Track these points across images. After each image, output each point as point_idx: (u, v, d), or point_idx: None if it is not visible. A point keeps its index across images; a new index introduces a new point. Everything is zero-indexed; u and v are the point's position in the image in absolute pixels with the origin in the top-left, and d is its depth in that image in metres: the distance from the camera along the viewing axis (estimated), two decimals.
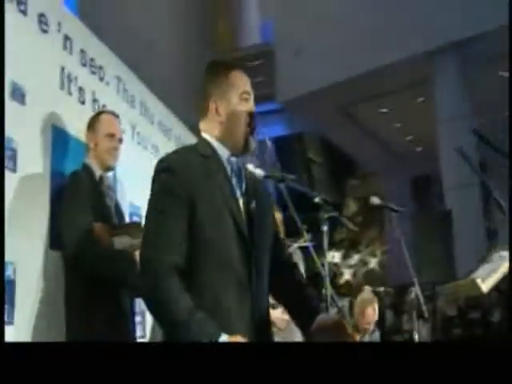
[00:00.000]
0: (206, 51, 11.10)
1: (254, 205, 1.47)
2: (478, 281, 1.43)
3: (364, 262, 13.63)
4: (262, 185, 1.61)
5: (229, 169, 1.47)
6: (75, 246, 1.97)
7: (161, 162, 1.42)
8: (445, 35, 7.84)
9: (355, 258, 13.65)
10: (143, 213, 2.95)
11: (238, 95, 1.48)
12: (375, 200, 2.98)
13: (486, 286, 1.44)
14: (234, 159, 1.50)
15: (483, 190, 8.73)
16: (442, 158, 8.18)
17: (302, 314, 1.52)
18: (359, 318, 3.08)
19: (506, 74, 9.07)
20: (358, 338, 3.10)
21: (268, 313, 1.50)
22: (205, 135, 1.51)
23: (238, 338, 1.24)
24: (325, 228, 2.19)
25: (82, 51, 2.55)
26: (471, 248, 6.58)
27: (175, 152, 1.49)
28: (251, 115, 1.49)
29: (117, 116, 2.32)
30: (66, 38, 2.41)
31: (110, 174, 2.32)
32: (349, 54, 8.64)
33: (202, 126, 1.53)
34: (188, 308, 1.25)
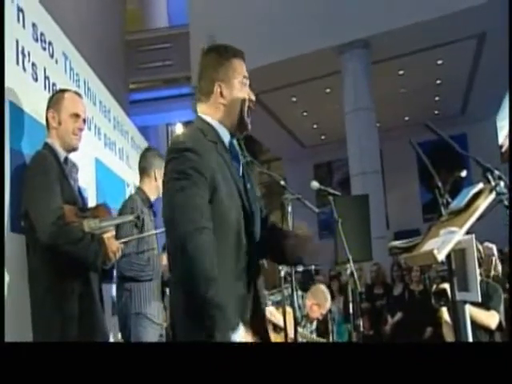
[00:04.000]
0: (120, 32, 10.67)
1: (249, 185, 1.64)
2: (435, 251, 1.69)
3: None
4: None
5: (231, 153, 1.61)
6: (48, 228, 1.92)
7: (182, 142, 1.50)
8: (353, 32, 8.37)
9: None
10: (86, 193, 2.90)
11: (240, 80, 1.62)
12: (315, 184, 3.23)
13: (440, 256, 1.70)
14: (233, 142, 1.64)
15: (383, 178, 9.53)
16: (349, 148, 8.77)
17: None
18: (309, 311, 3.34)
19: (401, 72, 9.96)
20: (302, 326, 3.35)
21: (260, 272, 1.64)
22: (205, 117, 1.61)
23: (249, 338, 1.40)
24: (289, 208, 2.38)
25: (34, 25, 2.43)
26: (373, 230, 7.23)
27: (190, 135, 1.56)
28: (250, 98, 1.64)
29: (80, 96, 2.26)
30: (19, 10, 2.29)
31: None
32: (263, 42, 8.85)
33: (202, 108, 1.63)
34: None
